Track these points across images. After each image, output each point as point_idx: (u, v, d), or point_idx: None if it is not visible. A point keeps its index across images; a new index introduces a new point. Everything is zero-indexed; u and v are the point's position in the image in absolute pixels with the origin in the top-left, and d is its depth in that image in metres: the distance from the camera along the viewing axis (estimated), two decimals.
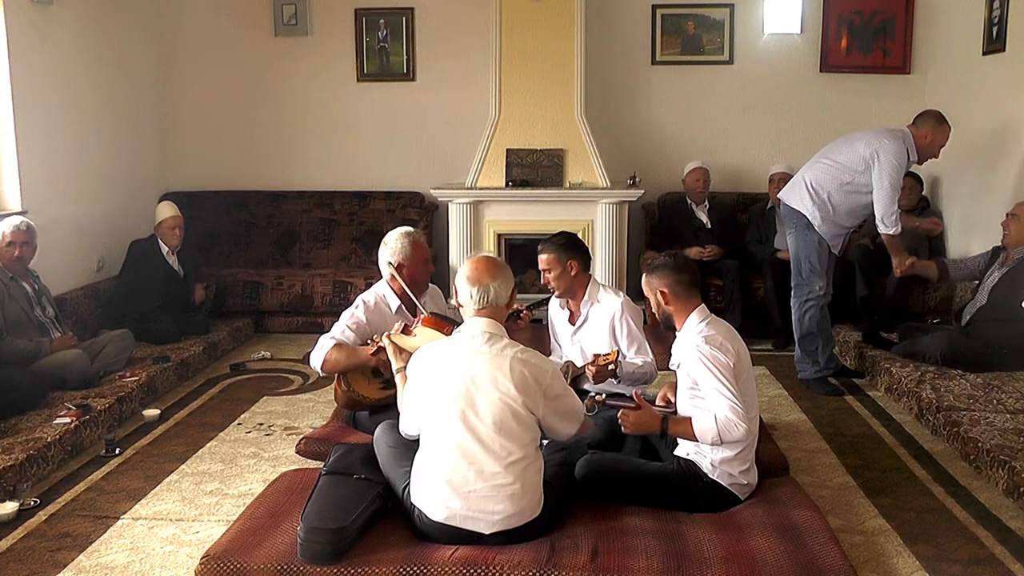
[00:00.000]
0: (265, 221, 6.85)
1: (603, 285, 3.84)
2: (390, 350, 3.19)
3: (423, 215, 6.78)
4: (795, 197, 4.80)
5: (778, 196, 5.02)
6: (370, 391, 3.55)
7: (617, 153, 6.56)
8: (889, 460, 3.88)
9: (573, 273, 3.68)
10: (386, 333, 3.28)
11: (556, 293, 3.76)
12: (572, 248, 3.69)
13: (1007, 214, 4.85)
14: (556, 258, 3.66)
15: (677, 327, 3.14)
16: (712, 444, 2.93)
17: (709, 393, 2.93)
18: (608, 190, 6.22)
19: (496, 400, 2.63)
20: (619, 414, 3.03)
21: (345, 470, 2.92)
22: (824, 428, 4.26)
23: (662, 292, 3.10)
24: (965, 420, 3.89)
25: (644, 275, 3.22)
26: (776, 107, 6.73)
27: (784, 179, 6.17)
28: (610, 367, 3.48)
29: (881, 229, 4.67)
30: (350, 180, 6.95)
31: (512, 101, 6.30)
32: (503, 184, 6.28)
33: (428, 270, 3.78)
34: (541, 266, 3.70)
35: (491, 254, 3.02)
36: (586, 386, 3.70)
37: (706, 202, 6.30)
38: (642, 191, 6.27)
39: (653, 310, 3.22)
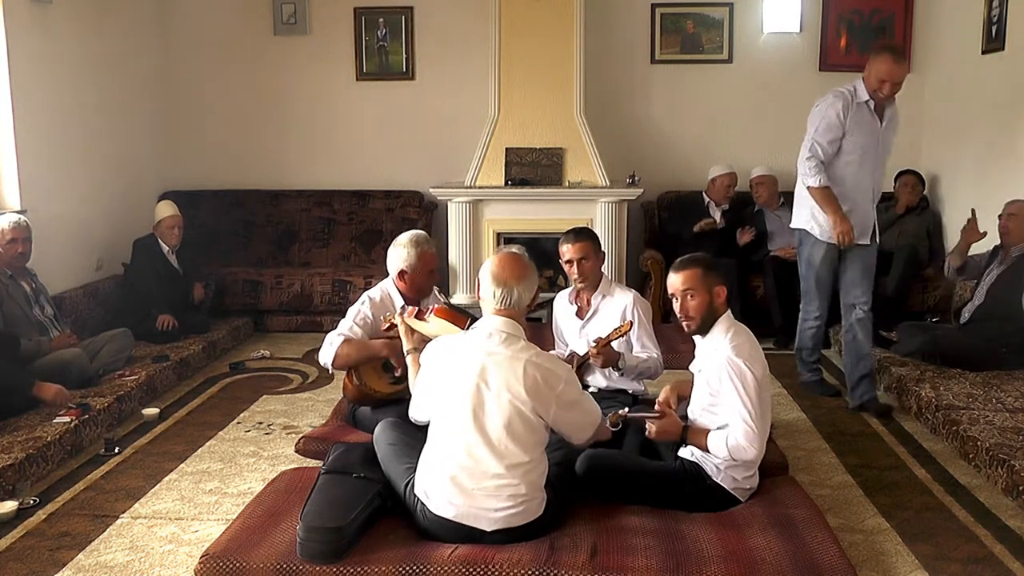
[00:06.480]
0: (264, 220, 6.86)
1: (612, 281, 3.93)
2: (402, 329, 3.22)
3: (422, 214, 6.77)
4: (797, 218, 4.61)
5: (791, 226, 4.86)
6: (381, 385, 3.56)
7: (616, 152, 6.55)
8: (888, 459, 3.89)
9: (602, 263, 3.79)
10: (399, 312, 3.30)
11: (580, 283, 3.78)
12: (598, 240, 3.80)
13: (1008, 214, 4.78)
14: (592, 247, 3.72)
15: (704, 332, 3.01)
16: (722, 458, 2.95)
17: (729, 407, 2.90)
18: (607, 189, 6.22)
19: (506, 403, 2.63)
20: (646, 424, 3.03)
21: (344, 469, 2.92)
22: (823, 427, 4.27)
23: (719, 292, 2.97)
24: (964, 419, 3.89)
25: (700, 271, 2.95)
26: (776, 106, 6.72)
27: (764, 181, 6.21)
28: (620, 340, 3.55)
29: (801, 181, 4.40)
30: (349, 179, 6.95)
31: (511, 100, 6.30)
32: (502, 183, 6.28)
33: (433, 280, 3.77)
34: (574, 254, 3.69)
35: (518, 251, 2.91)
36: (588, 379, 3.75)
37: (726, 203, 6.30)
38: (641, 190, 6.27)
39: (693, 313, 2.97)
